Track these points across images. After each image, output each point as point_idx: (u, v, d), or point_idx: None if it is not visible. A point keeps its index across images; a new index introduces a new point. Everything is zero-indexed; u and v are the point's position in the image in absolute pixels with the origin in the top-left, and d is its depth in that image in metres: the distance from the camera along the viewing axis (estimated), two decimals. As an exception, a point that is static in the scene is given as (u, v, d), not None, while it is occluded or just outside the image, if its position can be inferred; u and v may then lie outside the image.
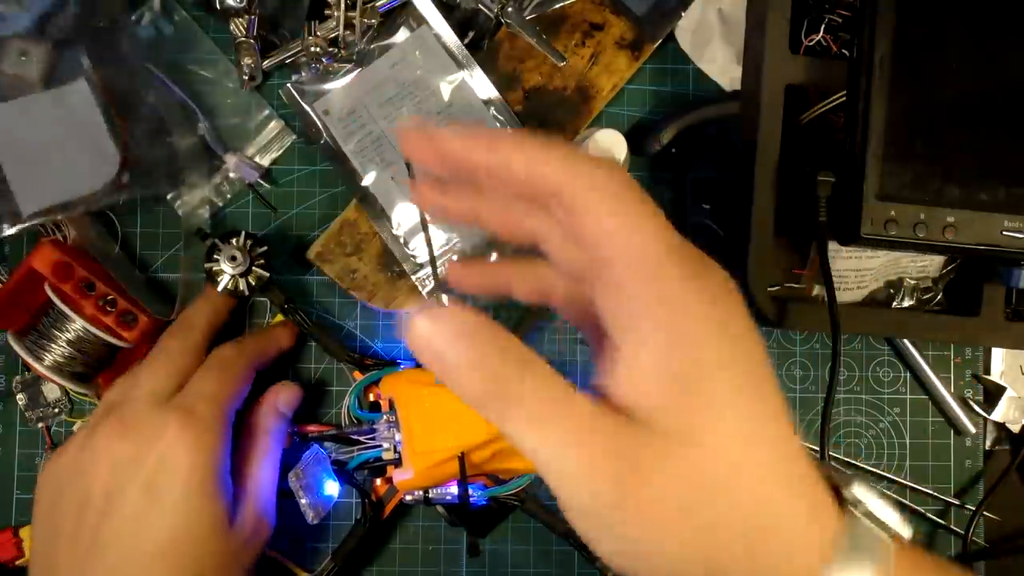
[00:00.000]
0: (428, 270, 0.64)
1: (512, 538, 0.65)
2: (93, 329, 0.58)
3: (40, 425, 0.64)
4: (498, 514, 0.64)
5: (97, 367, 0.61)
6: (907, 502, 0.66)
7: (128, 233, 0.65)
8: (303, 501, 0.60)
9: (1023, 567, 0.67)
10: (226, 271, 0.59)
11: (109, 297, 0.59)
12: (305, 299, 0.65)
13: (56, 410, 0.64)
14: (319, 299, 0.65)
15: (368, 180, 0.64)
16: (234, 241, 0.59)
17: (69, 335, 0.59)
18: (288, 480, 0.61)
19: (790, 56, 0.57)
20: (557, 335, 0.66)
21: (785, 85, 0.57)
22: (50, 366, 0.59)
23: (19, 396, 0.63)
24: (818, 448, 0.54)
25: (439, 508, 0.62)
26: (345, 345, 0.64)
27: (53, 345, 0.59)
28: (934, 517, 0.66)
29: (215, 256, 0.59)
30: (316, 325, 0.63)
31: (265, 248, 0.60)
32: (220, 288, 0.59)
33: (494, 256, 0.64)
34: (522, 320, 0.63)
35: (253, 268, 0.60)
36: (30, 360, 0.58)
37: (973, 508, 0.66)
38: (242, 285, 0.60)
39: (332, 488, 0.61)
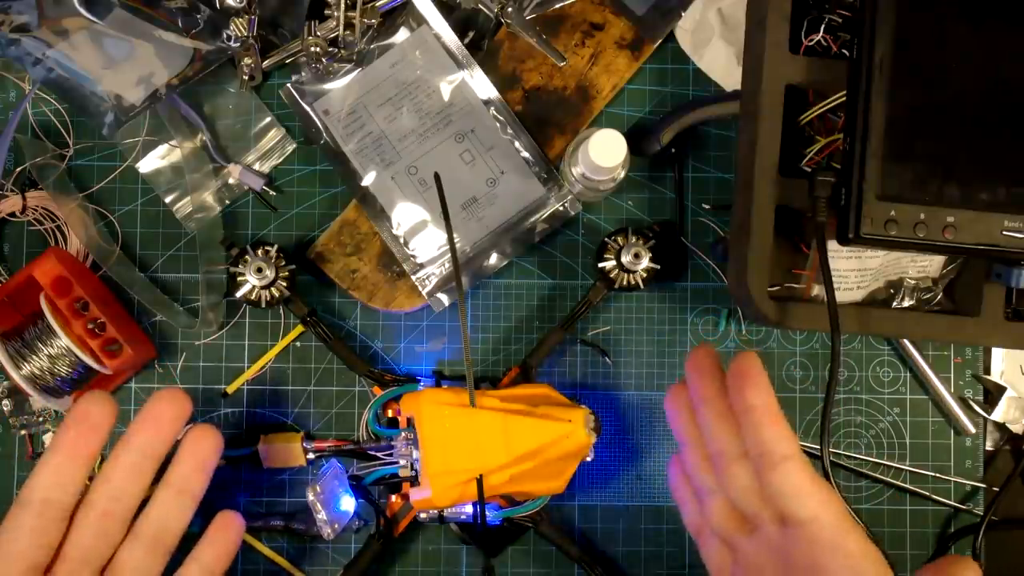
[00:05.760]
0: (428, 270, 0.64)
1: (527, 561, 0.65)
2: (76, 350, 0.58)
3: (23, 432, 0.64)
4: (511, 534, 0.64)
5: (72, 386, 0.61)
6: (910, 486, 0.67)
7: (128, 233, 0.65)
8: (320, 516, 0.60)
9: (1020, 541, 0.68)
10: (250, 280, 0.59)
11: (99, 321, 0.59)
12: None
13: (41, 419, 0.63)
14: (321, 299, 0.65)
15: (368, 180, 0.64)
16: (260, 252, 0.59)
17: (51, 350, 0.58)
18: (306, 495, 0.61)
19: (790, 56, 0.57)
20: (575, 358, 0.66)
21: (785, 85, 0.57)
22: (26, 376, 0.58)
23: (3, 402, 0.63)
24: (818, 448, 0.54)
25: (452, 526, 0.63)
26: (366, 360, 0.64)
27: (34, 356, 0.58)
28: (947, 501, 0.66)
29: (240, 265, 0.59)
30: (337, 340, 0.62)
31: (293, 266, 0.60)
32: (239, 295, 0.59)
33: (494, 258, 0.64)
34: (541, 343, 0.63)
35: (277, 282, 0.59)
36: (7, 366, 0.58)
37: (972, 483, 0.67)
38: (264, 296, 0.59)
39: (348, 503, 0.61)
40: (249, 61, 0.63)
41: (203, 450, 0.52)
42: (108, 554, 0.49)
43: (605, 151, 0.57)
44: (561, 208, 0.65)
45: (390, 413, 0.62)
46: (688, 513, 0.55)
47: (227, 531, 0.53)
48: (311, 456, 0.62)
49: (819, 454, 0.54)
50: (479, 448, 0.56)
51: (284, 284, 0.60)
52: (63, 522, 0.48)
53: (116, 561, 0.49)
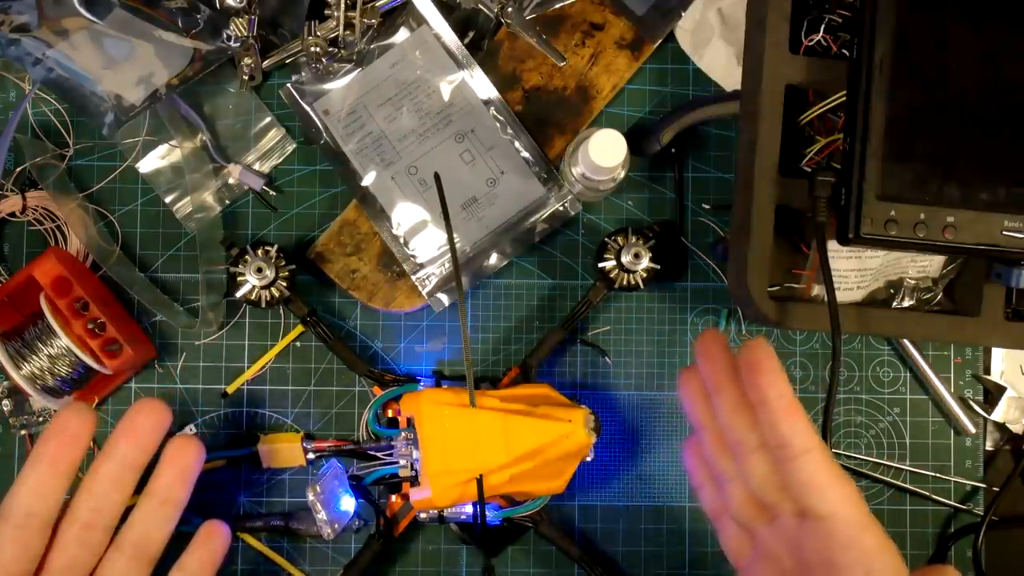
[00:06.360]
0: (428, 270, 0.64)
1: (527, 561, 0.65)
2: (76, 350, 0.58)
3: (23, 432, 0.64)
4: (511, 534, 0.64)
5: (72, 386, 0.61)
6: (910, 486, 0.67)
7: (128, 233, 0.65)
8: (320, 516, 0.60)
9: (1020, 541, 0.68)
10: (250, 280, 0.59)
11: (99, 321, 0.59)
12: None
13: (41, 419, 0.63)
14: (321, 299, 0.65)
15: (368, 180, 0.64)
16: (260, 252, 0.59)
17: (51, 350, 0.58)
18: (306, 495, 0.61)
19: (790, 56, 0.57)
20: (575, 358, 0.66)
21: (785, 85, 0.57)
22: (26, 376, 0.58)
23: (3, 402, 0.63)
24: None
25: (452, 526, 0.62)
26: (366, 360, 0.64)
27: (34, 356, 0.58)
28: (947, 501, 0.67)
29: (240, 265, 0.59)
30: (338, 340, 0.62)
31: (293, 266, 0.60)
32: (239, 295, 0.59)
33: (494, 258, 0.64)
34: (541, 343, 0.63)
35: (277, 282, 0.59)
36: (7, 366, 0.58)
37: (971, 483, 0.67)
38: (264, 296, 0.59)
39: (348, 503, 0.61)
40: (249, 61, 0.63)
41: (184, 460, 0.52)
42: (92, 564, 0.50)
43: (605, 151, 0.57)
44: (561, 208, 0.65)
45: (390, 413, 0.62)
46: (706, 497, 0.55)
47: (212, 540, 0.53)
48: (311, 456, 0.62)
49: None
50: (479, 448, 0.56)
51: (284, 284, 0.60)
52: (46, 533, 0.48)
53: (100, 571, 0.50)
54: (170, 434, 0.62)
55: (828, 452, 0.48)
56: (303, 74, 0.64)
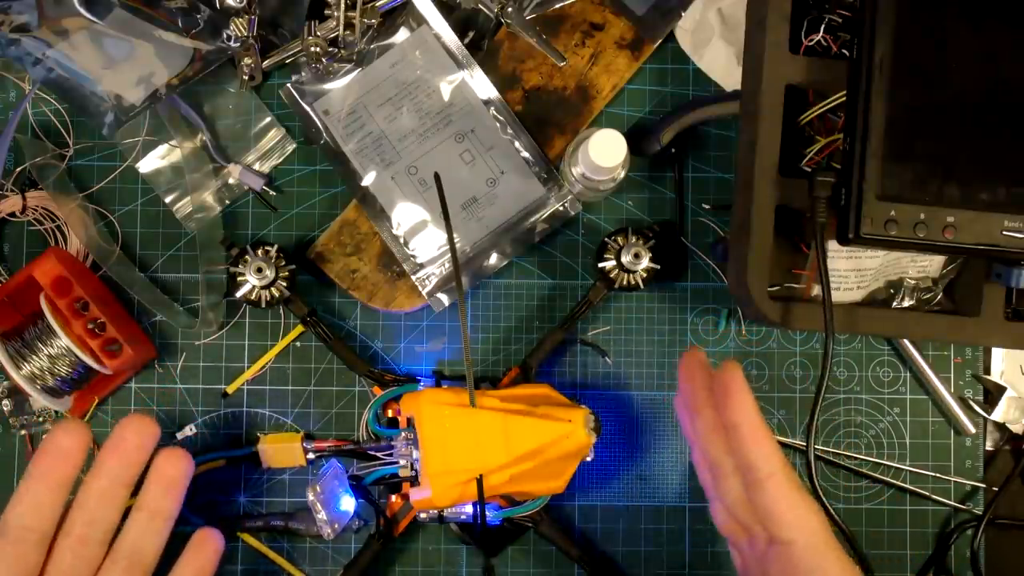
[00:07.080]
0: (428, 270, 0.64)
1: (527, 561, 0.65)
2: (76, 350, 0.58)
3: (23, 432, 0.64)
4: (511, 534, 0.64)
5: (72, 386, 0.61)
6: (910, 486, 0.67)
7: (128, 233, 0.65)
8: (320, 516, 0.60)
9: (1020, 541, 0.68)
10: (250, 280, 0.59)
11: (99, 321, 0.59)
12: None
13: (41, 419, 0.63)
14: (321, 299, 0.65)
15: (368, 180, 0.64)
16: (260, 252, 0.59)
17: (52, 350, 0.59)
18: (306, 495, 0.61)
19: (790, 56, 0.57)
20: (575, 358, 0.66)
21: (785, 85, 0.57)
22: (26, 376, 0.58)
23: (3, 402, 0.63)
24: (820, 448, 0.54)
25: (452, 526, 0.63)
26: (366, 360, 0.64)
27: (34, 356, 0.59)
28: (947, 501, 0.67)
29: (240, 265, 0.59)
30: (338, 340, 0.62)
31: (293, 266, 0.60)
32: (239, 295, 0.59)
33: (494, 258, 0.64)
34: (541, 343, 0.63)
35: (277, 282, 0.59)
36: (7, 366, 0.58)
37: (971, 482, 0.67)
38: (264, 296, 0.59)
39: (348, 503, 0.61)
40: (249, 61, 0.63)
41: (171, 473, 0.52)
42: (89, 575, 0.50)
43: (605, 151, 0.57)
44: (561, 208, 0.65)
45: (390, 413, 0.62)
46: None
47: (204, 548, 0.54)
48: (311, 456, 0.62)
49: (822, 455, 0.54)
50: (479, 448, 0.56)
51: (284, 284, 0.60)
52: (42, 547, 0.49)
53: None
54: (171, 436, 0.63)
55: (793, 476, 0.50)
56: (303, 74, 0.64)
